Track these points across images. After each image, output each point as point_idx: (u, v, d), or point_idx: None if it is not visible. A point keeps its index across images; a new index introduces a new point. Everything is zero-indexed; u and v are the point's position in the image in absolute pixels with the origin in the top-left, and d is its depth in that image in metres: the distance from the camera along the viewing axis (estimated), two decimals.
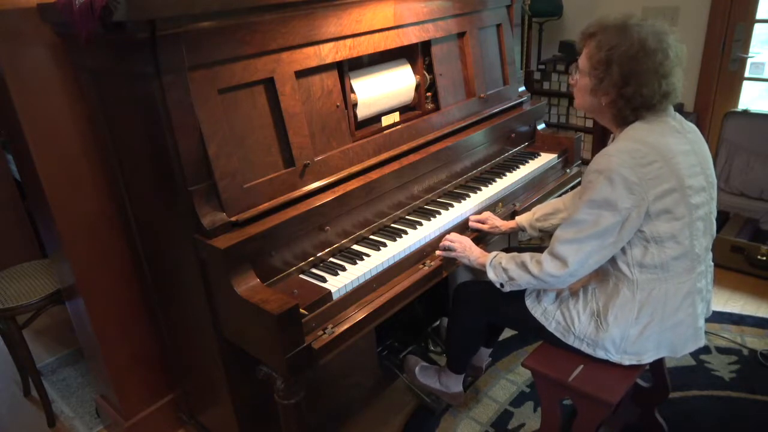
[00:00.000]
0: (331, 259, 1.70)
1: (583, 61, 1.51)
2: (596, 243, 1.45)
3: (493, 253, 1.69)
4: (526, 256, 1.58)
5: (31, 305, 2.18)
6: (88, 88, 1.65)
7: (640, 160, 1.40)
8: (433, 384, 2.10)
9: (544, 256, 1.53)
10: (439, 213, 1.94)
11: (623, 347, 1.55)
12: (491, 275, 1.66)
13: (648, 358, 1.56)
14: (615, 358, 1.57)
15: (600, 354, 1.58)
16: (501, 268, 1.63)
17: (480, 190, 2.11)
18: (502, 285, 1.64)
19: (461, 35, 2.21)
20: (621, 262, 1.51)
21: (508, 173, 2.25)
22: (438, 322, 2.55)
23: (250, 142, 1.56)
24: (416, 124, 2.02)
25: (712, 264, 1.62)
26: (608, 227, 1.43)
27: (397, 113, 2.02)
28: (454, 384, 2.06)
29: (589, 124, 3.66)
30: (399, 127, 1.97)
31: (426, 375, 2.14)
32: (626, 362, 1.57)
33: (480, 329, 1.92)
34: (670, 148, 1.43)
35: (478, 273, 1.85)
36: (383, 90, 1.94)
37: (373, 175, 1.79)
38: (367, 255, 1.70)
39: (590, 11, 3.55)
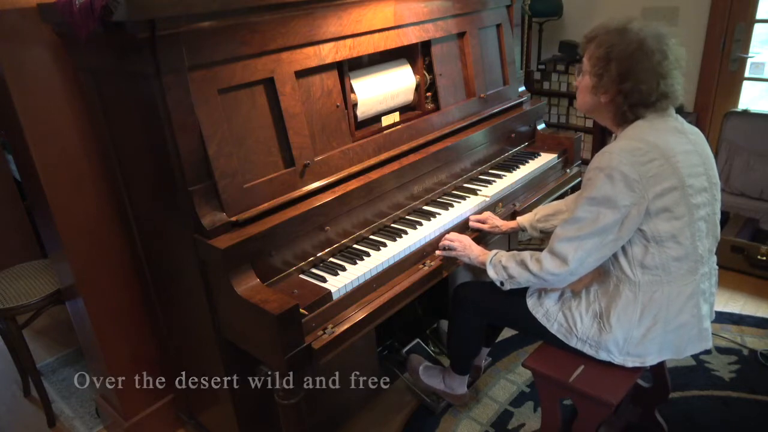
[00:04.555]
0: (331, 259, 1.70)
1: (585, 61, 1.53)
2: (596, 240, 1.45)
3: (493, 251, 1.69)
4: (526, 255, 1.58)
5: (31, 305, 2.18)
6: (88, 88, 1.65)
7: (641, 158, 1.40)
8: (438, 385, 2.10)
9: (544, 254, 1.53)
10: (439, 213, 1.94)
11: (626, 349, 1.54)
12: (491, 273, 1.66)
13: (651, 360, 1.56)
14: (618, 359, 1.56)
15: (603, 356, 1.57)
16: (501, 266, 1.63)
17: (480, 190, 2.11)
18: (502, 283, 1.64)
19: (461, 35, 2.21)
20: (623, 261, 1.51)
21: (508, 173, 2.25)
22: (436, 325, 2.55)
23: (250, 142, 1.56)
24: (416, 124, 2.02)
25: (717, 267, 1.61)
26: (608, 225, 1.43)
27: (397, 113, 2.02)
28: (459, 385, 2.06)
29: (589, 124, 3.66)
30: (399, 127, 1.97)
31: (430, 375, 2.14)
32: (629, 364, 1.56)
33: (481, 329, 1.92)
34: (671, 147, 1.43)
35: (479, 273, 1.85)
36: (383, 90, 1.94)
37: (373, 175, 1.79)
38: (367, 255, 1.70)
39: (590, 11, 3.55)
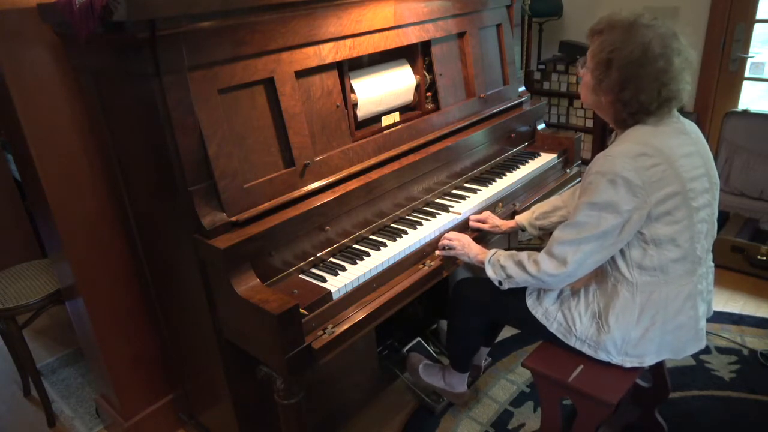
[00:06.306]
0: (331, 259, 1.70)
1: (588, 57, 1.49)
2: (596, 244, 1.45)
3: (492, 251, 1.69)
4: (524, 255, 1.58)
5: (31, 305, 2.18)
6: (88, 88, 1.65)
7: (644, 163, 1.38)
8: (437, 383, 2.10)
9: (542, 256, 1.53)
10: (439, 213, 1.94)
11: (624, 349, 1.54)
12: (490, 273, 1.66)
13: (649, 361, 1.56)
14: (616, 360, 1.56)
15: (602, 356, 1.57)
16: (499, 265, 1.63)
17: (480, 190, 2.11)
18: (500, 282, 1.64)
19: (461, 35, 2.21)
20: (620, 262, 1.51)
21: (508, 173, 2.25)
22: (436, 325, 2.55)
23: (250, 142, 1.56)
24: (416, 124, 2.02)
25: (713, 265, 1.61)
26: (609, 229, 1.42)
27: (397, 113, 2.02)
28: (459, 383, 2.06)
29: (589, 124, 3.66)
30: (399, 127, 1.97)
31: (430, 373, 2.13)
32: (627, 364, 1.56)
33: (481, 326, 1.92)
34: (674, 151, 1.42)
35: (478, 272, 1.85)
36: (383, 90, 1.94)
37: (373, 175, 1.79)
38: (367, 255, 1.70)
39: (590, 11, 3.55)
